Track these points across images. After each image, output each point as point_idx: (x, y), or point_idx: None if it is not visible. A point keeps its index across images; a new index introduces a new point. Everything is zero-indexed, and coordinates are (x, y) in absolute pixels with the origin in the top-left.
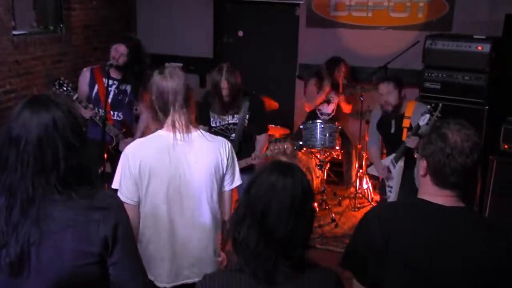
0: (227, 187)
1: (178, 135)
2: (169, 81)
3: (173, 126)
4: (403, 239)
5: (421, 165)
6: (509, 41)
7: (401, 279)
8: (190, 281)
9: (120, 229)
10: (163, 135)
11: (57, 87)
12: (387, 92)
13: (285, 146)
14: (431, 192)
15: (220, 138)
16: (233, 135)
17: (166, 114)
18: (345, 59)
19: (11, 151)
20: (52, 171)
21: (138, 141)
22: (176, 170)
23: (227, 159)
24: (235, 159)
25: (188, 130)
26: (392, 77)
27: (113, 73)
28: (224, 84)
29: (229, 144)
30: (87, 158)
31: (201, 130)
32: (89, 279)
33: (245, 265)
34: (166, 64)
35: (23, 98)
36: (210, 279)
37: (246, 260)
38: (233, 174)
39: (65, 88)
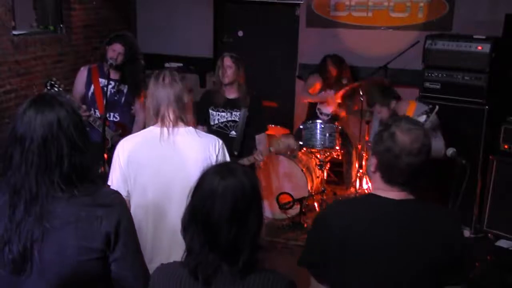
0: None
1: (165, 129)
2: (161, 82)
3: (162, 121)
4: (357, 232)
5: (372, 162)
6: (509, 41)
7: (357, 270)
8: None
9: (123, 226)
10: (153, 130)
11: (48, 88)
12: (379, 112)
13: (290, 142)
14: (382, 188)
15: (211, 136)
16: (232, 132)
17: (158, 112)
18: (345, 59)
19: (16, 150)
20: (55, 170)
21: (129, 136)
22: (163, 164)
23: (217, 156)
24: (227, 157)
25: (176, 125)
26: (376, 93)
27: (111, 74)
28: (227, 60)
29: (221, 142)
30: (89, 157)
31: (193, 128)
32: (91, 275)
33: (187, 263)
34: (166, 64)
35: (23, 98)
36: (163, 268)
37: (189, 260)
38: None
39: (56, 89)
